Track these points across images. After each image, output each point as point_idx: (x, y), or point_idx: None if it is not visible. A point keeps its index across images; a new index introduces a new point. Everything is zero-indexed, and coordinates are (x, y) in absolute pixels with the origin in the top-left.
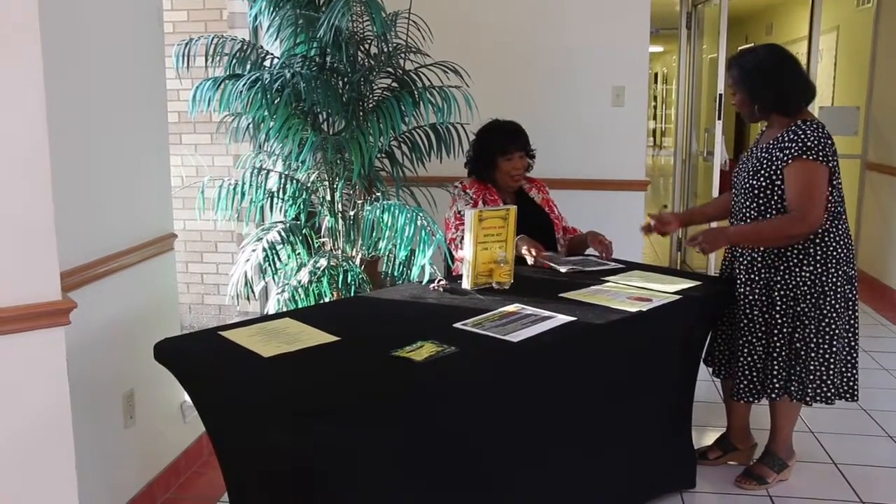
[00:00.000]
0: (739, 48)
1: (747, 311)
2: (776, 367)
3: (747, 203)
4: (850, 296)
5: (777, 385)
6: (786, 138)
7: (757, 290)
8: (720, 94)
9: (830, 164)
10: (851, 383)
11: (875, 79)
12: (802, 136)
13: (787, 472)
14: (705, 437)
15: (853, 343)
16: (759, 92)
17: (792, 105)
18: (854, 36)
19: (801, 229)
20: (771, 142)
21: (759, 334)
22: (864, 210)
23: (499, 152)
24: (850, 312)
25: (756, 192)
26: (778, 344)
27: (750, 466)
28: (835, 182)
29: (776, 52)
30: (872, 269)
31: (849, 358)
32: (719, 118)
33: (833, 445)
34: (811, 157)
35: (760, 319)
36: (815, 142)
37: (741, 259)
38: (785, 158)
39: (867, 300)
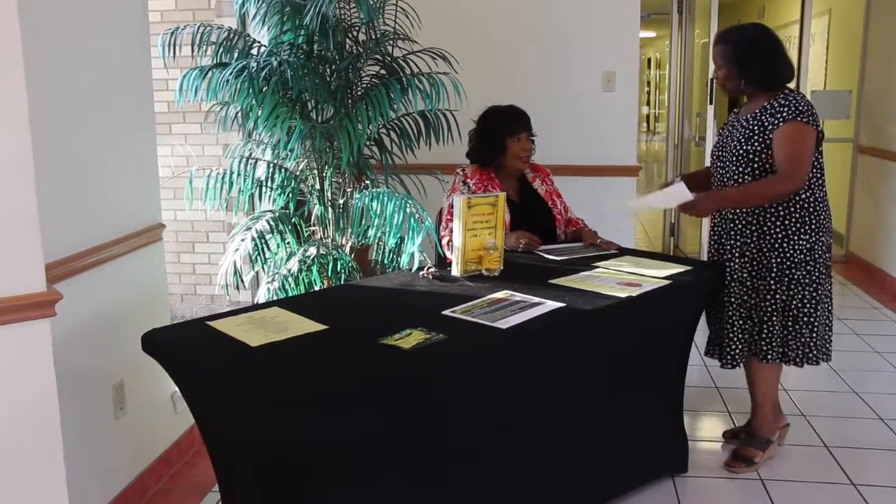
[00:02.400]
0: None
1: (736, 275)
2: (773, 333)
3: (739, 169)
4: (829, 262)
5: (772, 349)
6: (776, 104)
7: (747, 261)
8: (712, 79)
9: (818, 130)
10: (829, 345)
11: (867, 62)
12: (794, 102)
13: (772, 449)
14: (697, 422)
15: (830, 307)
16: (750, 68)
17: (778, 82)
18: (846, 19)
19: (788, 187)
20: (757, 111)
21: (748, 305)
22: (856, 193)
23: (507, 133)
24: (828, 278)
25: (750, 156)
26: (770, 309)
27: (736, 449)
28: (819, 149)
29: (765, 30)
30: (864, 253)
31: (827, 322)
32: (711, 103)
33: (824, 428)
34: (803, 120)
35: (749, 283)
36: (806, 107)
37: (731, 236)
38: (777, 122)
39: (859, 284)
